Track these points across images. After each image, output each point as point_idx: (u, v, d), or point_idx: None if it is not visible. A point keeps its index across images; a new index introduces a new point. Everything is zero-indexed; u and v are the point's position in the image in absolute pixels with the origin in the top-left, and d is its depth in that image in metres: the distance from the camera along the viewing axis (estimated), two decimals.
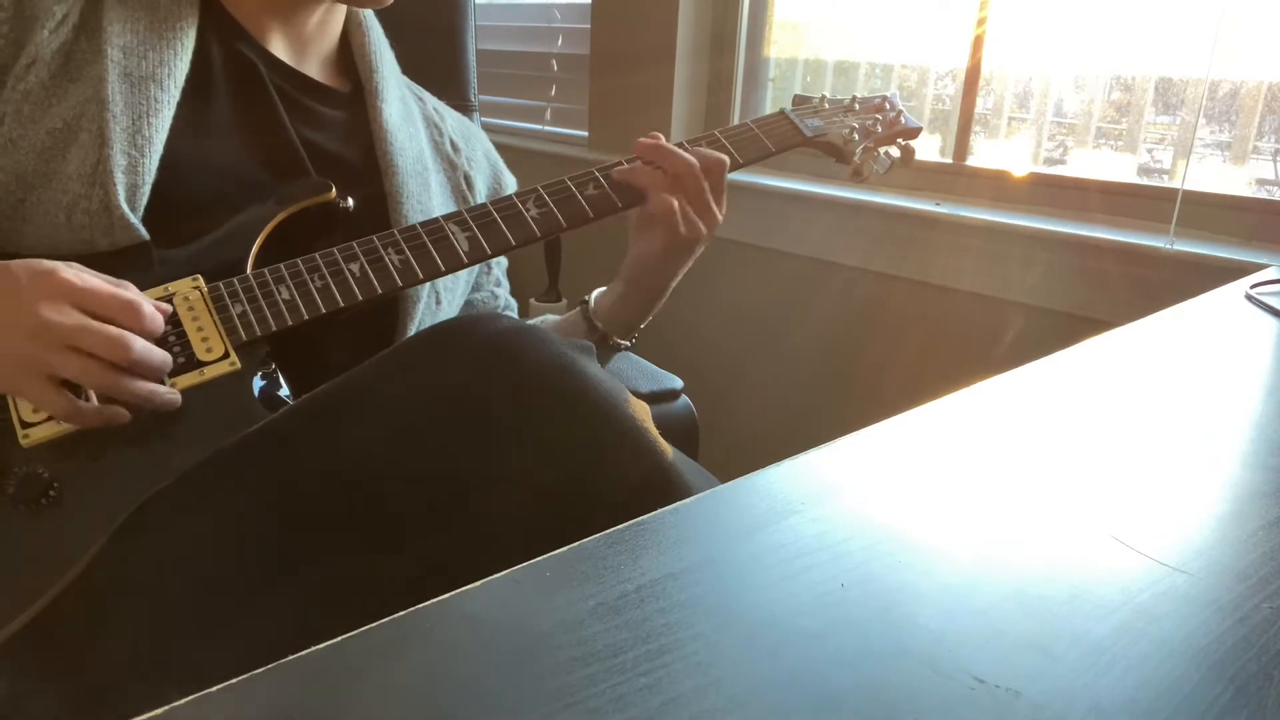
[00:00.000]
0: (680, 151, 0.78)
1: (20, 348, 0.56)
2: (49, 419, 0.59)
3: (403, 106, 0.87)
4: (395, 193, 0.80)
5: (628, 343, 0.88)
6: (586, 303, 0.86)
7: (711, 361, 1.62)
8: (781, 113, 0.89)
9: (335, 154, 0.80)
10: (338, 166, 0.79)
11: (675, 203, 0.77)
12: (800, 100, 0.92)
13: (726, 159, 0.80)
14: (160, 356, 0.60)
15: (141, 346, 0.58)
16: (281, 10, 0.79)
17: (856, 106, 0.92)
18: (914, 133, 0.94)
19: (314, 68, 0.83)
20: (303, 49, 0.82)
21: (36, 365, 0.56)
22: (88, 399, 0.58)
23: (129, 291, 0.60)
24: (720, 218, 0.80)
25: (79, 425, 0.59)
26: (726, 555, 0.35)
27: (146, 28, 0.71)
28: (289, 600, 0.53)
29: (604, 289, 0.87)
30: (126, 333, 0.58)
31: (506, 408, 0.53)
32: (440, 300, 0.85)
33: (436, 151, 0.89)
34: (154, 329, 0.60)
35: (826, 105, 0.91)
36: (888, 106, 0.94)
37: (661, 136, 0.81)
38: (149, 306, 0.60)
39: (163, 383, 0.61)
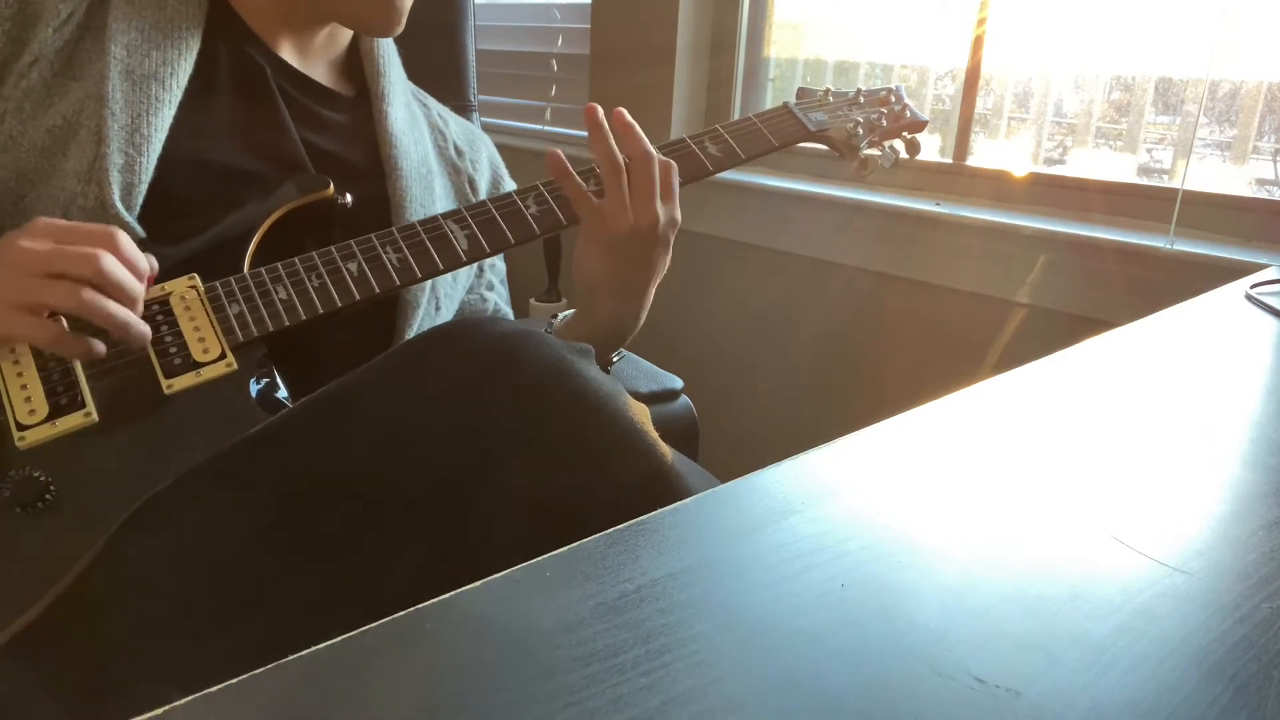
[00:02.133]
0: (605, 144, 0.74)
1: (2, 283, 0.57)
2: (45, 420, 0.58)
3: (408, 111, 0.87)
4: (399, 195, 0.80)
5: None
6: (549, 327, 0.81)
7: (711, 361, 1.62)
8: (785, 107, 0.88)
9: (339, 156, 0.80)
10: (341, 169, 0.79)
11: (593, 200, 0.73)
12: (804, 94, 0.91)
13: (663, 159, 0.75)
14: (131, 280, 0.60)
15: (111, 261, 0.59)
16: (294, 23, 0.79)
17: (861, 100, 0.91)
18: (920, 126, 0.92)
19: (321, 73, 0.83)
20: (311, 55, 0.82)
21: (13, 295, 0.57)
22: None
23: (112, 227, 0.61)
24: (660, 216, 0.74)
25: (59, 351, 0.59)
26: (726, 555, 0.35)
27: (152, 26, 0.71)
28: (288, 601, 0.53)
29: (568, 313, 0.82)
30: (98, 249, 0.58)
31: (506, 411, 0.53)
32: (440, 306, 0.85)
33: (440, 155, 0.89)
34: (128, 253, 0.60)
35: (831, 99, 0.90)
36: (893, 100, 0.92)
37: (599, 110, 0.76)
38: (126, 236, 0.61)
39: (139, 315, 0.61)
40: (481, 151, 0.95)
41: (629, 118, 0.76)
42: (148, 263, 0.62)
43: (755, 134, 0.84)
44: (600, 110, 0.75)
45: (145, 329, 0.61)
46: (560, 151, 0.76)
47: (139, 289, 0.61)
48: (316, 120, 0.80)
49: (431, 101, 0.94)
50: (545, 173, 0.77)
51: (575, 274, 0.77)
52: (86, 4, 0.70)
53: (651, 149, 0.75)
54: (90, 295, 0.58)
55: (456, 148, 0.91)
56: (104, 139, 0.66)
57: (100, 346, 0.60)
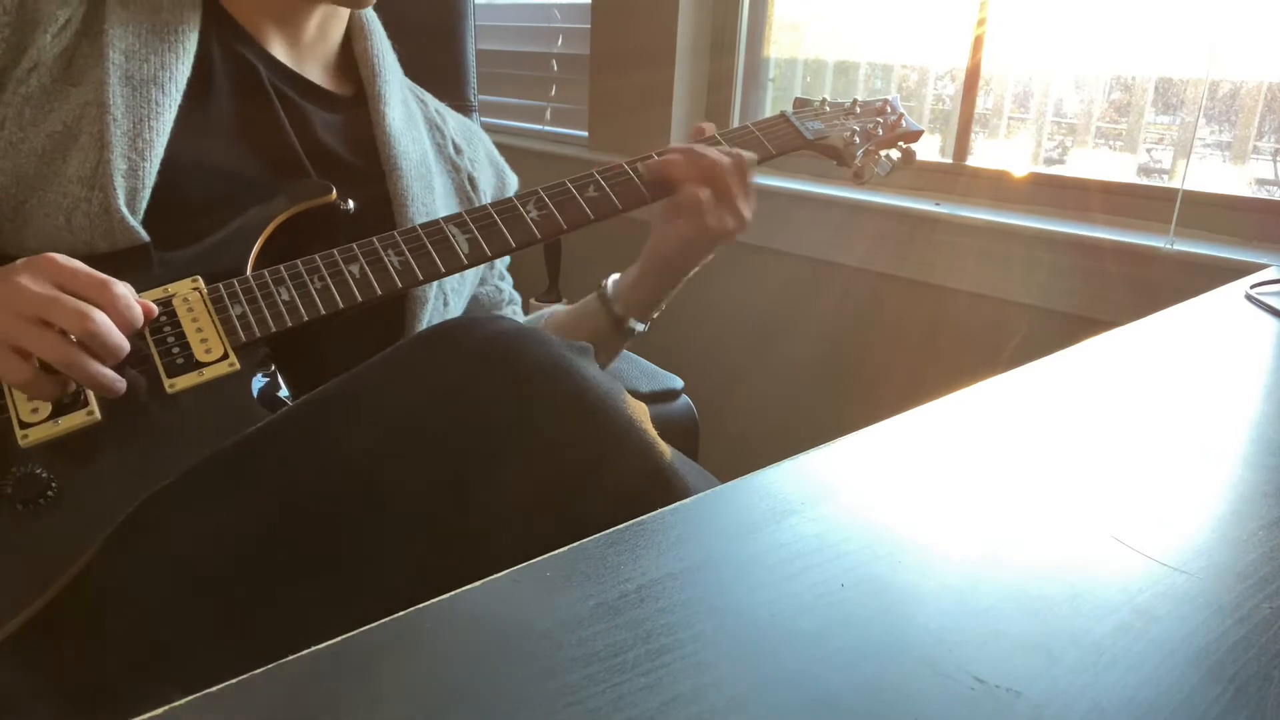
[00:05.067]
0: (707, 152, 0.79)
1: None
2: (47, 419, 0.59)
3: (405, 110, 0.87)
4: (400, 195, 0.81)
5: (644, 326, 0.88)
6: (604, 286, 0.87)
7: (711, 361, 1.62)
8: (782, 115, 0.89)
9: (336, 157, 0.80)
10: (339, 169, 0.79)
11: (703, 196, 0.77)
12: (801, 103, 0.92)
13: (752, 155, 0.81)
14: (119, 340, 0.59)
15: (103, 321, 0.57)
16: (279, 13, 0.79)
17: (857, 109, 0.92)
18: (915, 136, 0.94)
19: (315, 71, 0.83)
20: (303, 52, 0.82)
21: (4, 333, 0.56)
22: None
23: (112, 279, 0.60)
24: (748, 218, 0.80)
25: (25, 392, 0.58)
26: (726, 555, 0.35)
27: (149, 30, 0.70)
28: (288, 600, 0.53)
29: (619, 275, 0.87)
30: (90, 307, 0.57)
31: (505, 409, 0.53)
32: (448, 301, 0.85)
33: (439, 154, 0.90)
34: (125, 310, 0.59)
35: (827, 108, 0.91)
36: (889, 109, 0.93)
37: (713, 127, 0.83)
38: (124, 289, 0.60)
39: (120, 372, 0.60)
40: (479, 149, 0.95)
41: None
42: (143, 312, 0.61)
43: (753, 142, 0.85)
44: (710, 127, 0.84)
45: (122, 385, 0.60)
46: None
47: (125, 347, 0.59)
48: (313, 120, 0.80)
49: (428, 97, 0.94)
50: (675, 162, 0.81)
51: (652, 245, 0.83)
52: (83, 9, 0.70)
53: (742, 153, 0.80)
54: (74, 354, 0.57)
55: (455, 145, 0.92)
56: (106, 144, 0.66)
57: (66, 390, 0.59)
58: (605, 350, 0.89)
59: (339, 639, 0.29)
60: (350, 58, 0.87)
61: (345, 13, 0.84)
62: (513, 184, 0.97)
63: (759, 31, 1.59)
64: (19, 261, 0.59)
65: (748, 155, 0.80)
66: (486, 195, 0.92)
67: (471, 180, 0.91)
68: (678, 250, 0.81)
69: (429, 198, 0.83)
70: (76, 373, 0.58)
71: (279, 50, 0.80)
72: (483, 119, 1.21)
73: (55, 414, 0.59)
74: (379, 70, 0.85)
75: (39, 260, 0.59)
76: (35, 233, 0.66)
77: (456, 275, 0.86)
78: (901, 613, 0.32)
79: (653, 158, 0.80)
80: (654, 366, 1.07)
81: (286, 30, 0.80)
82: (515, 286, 1.00)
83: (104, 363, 0.58)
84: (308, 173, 0.77)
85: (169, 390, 0.61)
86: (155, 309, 0.63)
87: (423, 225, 0.73)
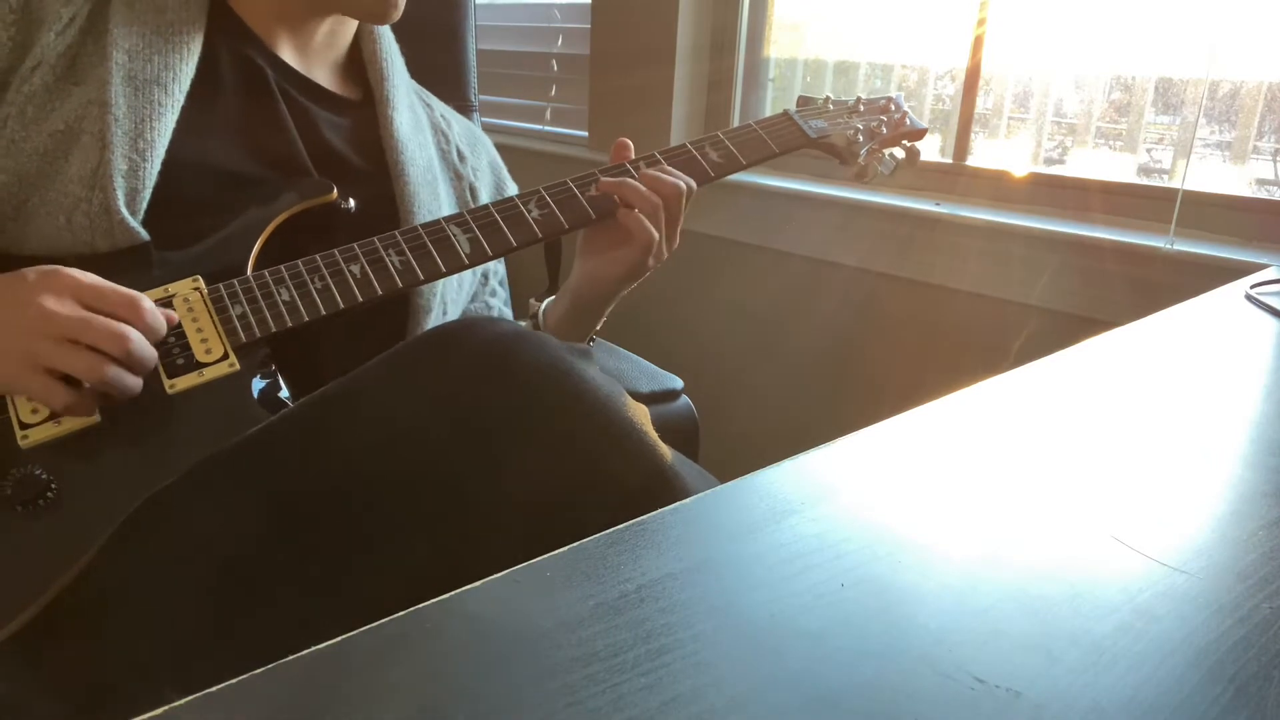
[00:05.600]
0: (669, 178, 0.77)
1: (21, 342, 0.56)
2: (48, 420, 0.59)
3: (412, 115, 0.87)
4: (407, 201, 0.80)
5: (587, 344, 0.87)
6: (537, 317, 0.85)
7: (711, 361, 1.61)
8: (785, 114, 0.88)
9: (342, 159, 0.80)
10: (345, 172, 0.79)
11: (656, 231, 0.76)
12: (804, 101, 0.91)
13: (694, 183, 0.80)
14: (153, 355, 0.60)
15: (140, 341, 0.59)
16: (292, 19, 0.79)
17: (861, 108, 0.92)
18: (919, 134, 0.93)
19: (324, 75, 0.83)
20: (313, 56, 0.82)
21: (37, 358, 0.57)
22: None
23: (138, 294, 0.61)
24: (677, 241, 0.80)
25: (67, 414, 0.59)
26: (726, 555, 0.35)
27: (153, 31, 0.70)
28: (288, 600, 0.53)
29: (550, 300, 0.86)
30: (127, 327, 0.58)
31: (504, 411, 0.53)
32: (447, 311, 0.85)
33: (444, 160, 0.90)
34: (154, 325, 0.60)
35: (830, 106, 0.91)
36: (892, 108, 0.93)
37: (631, 145, 0.81)
38: (149, 302, 0.61)
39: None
40: (482, 157, 0.95)
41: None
42: (166, 320, 0.62)
43: (756, 140, 0.84)
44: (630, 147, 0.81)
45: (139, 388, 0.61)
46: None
47: (155, 361, 0.61)
48: (319, 123, 0.80)
49: (435, 101, 0.94)
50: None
51: (584, 276, 0.81)
52: (88, 8, 0.70)
53: (683, 183, 0.78)
54: (115, 373, 0.58)
55: (459, 152, 0.92)
56: (107, 144, 0.66)
57: (95, 408, 0.60)
58: None
59: (339, 639, 0.29)
60: (359, 61, 0.86)
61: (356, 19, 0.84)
62: (510, 194, 0.96)
63: (759, 31, 1.59)
64: (30, 279, 0.58)
65: (689, 180, 0.79)
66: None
67: (472, 189, 0.91)
68: (617, 283, 0.80)
69: (434, 204, 0.83)
70: (117, 391, 0.59)
71: (287, 54, 0.80)
72: (483, 119, 1.21)
73: (55, 415, 0.59)
74: (387, 75, 0.85)
75: (55, 278, 0.59)
76: (36, 232, 0.66)
77: (455, 284, 0.86)
78: (901, 613, 0.32)
79: (598, 174, 0.79)
80: (654, 366, 1.07)
81: (296, 35, 0.80)
82: (515, 288, 1.00)
83: (136, 375, 0.59)
84: (310, 174, 0.77)
85: (169, 391, 0.62)
86: (176, 316, 0.64)
87: (424, 225, 0.73)
